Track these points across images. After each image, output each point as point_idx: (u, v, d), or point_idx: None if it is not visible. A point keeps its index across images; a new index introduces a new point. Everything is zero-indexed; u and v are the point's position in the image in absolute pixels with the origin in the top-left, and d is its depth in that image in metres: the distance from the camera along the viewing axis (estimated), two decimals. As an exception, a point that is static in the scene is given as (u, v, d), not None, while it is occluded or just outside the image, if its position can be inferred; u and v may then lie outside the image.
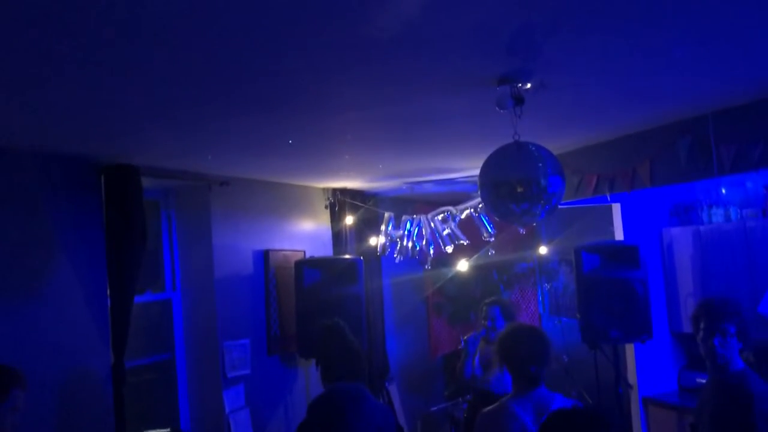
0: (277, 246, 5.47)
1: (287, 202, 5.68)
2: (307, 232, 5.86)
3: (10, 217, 3.63)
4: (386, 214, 5.73)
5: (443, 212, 5.54)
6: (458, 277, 6.51)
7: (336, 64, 2.67)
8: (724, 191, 5.51)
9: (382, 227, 5.72)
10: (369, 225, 6.07)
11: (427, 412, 6.10)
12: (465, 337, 5.33)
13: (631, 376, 5.52)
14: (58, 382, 3.75)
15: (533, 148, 3.13)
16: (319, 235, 5.97)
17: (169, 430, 4.31)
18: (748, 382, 2.93)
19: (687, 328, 5.28)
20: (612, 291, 4.61)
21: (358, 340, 4.99)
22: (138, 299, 4.25)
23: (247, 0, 2.01)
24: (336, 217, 6.01)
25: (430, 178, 5.85)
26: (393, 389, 6.46)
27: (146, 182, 4.24)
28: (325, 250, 5.93)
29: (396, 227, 5.67)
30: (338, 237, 6.01)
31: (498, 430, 2.95)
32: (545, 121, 3.88)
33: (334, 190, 6.02)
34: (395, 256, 5.70)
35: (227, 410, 4.84)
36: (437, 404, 6.29)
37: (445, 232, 5.51)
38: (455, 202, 5.58)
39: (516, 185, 3.04)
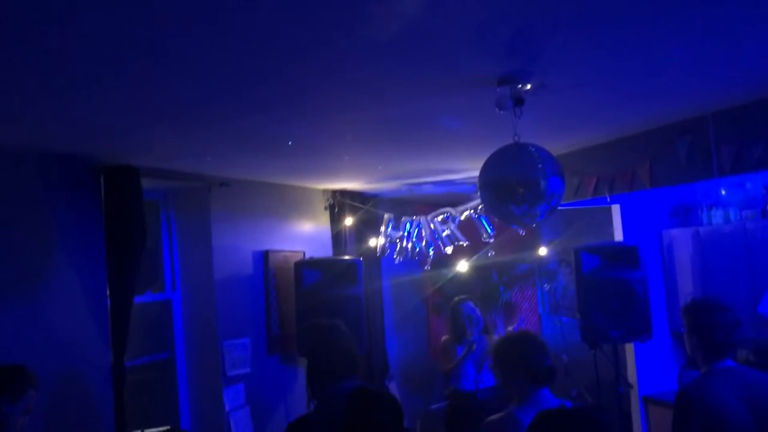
0: (276, 247, 5.48)
1: (287, 204, 5.69)
2: (306, 233, 5.87)
3: (10, 217, 3.64)
4: (386, 215, 5.74)
5: (443, 213, 5.54)
6: (458, 277, 6.52)
7: (335, 65, 2.68)
8: (723, 192, 5.51)
9: (382, 228, 5.73)
10: (368, 226, 6.07)
11: (426, 410, 6.11)
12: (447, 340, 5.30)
13: (631, 376, 5.53)
14: (58, 382, 3.76)
15: (533, 149, 3.13)
16: (319, 236, 5.98)
17: (168, 428, 4.31)
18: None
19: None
20: (612, 291, 4.61)
21: (357, 340, 5.00)
22: (138, 299, 4.26)
23: (247, 2, 2.01)
24: (335, 218, 6.01)
25: (429, 180, 5.86)
26: (393, 388, 6.46)
27: (146, 183, 4.24)
28: (324, 251, 5.94)
29: (395, 228, 5.67)
30: (338, 238, 6.01)
31: None
32: (545, 122, 3.88)
33: (334, 192, 6.02)
34: (395, 257, 5.70)
35: (227, 408, 4.85)
36: (437, 403, 6.29)
37: (444, 233, 5.51)
38: (455, 203, 5.58)
39: (516, 186, 3.04)
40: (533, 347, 2.99)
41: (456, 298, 5.52)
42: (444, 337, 5.38)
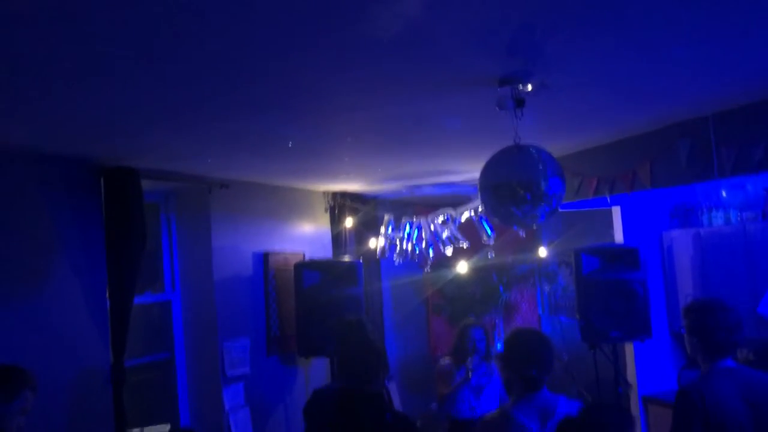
0: (276, 248, 5.48)
1: (287, 205, 5.68)
2: (306, 235, 5.87)
3: (10, 218, 3.63)
4: (386, 217, 5.73)
5: (443, 215, 5.54)
6: (458, 278, 6.51)
7: (336, 66, 2.67)
8: (724, 194, 5.51)
9: (382, 229, 5.72)
10: (368, 227, 6.07)
11: (426, 411, 6.09)
12: (446, 363, 5.22)
13: (631, 376, 5.53)
14: (58, 382, 3.75)
15: (533, 151, 3.12)
16: (319, 238, 5.97)
17: (169, 426, 4.32)
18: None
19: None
20: (611, 292, 4.61)
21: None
22: (138, 300, 4.26)
23: (247, 2, 2.01)
24: (336, 219, 6.01)
25: (429, 181, 5.85)
26: (393, 388, 6.46)
27: (146, 185, 4.25)
28: (324, 252, 5.94)
29: (396, 229, 5.67)
30: (338, 239, 6.01)
31: None
32: (546, 123, 3.88)
33: (334, 193, 6.02)
34: (395, 258, 5.70)
35: (227, 409, 4.84)
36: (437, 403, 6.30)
37: (444, 235, 5.51)
38: (455, 205, 5.58)
39: (516, 187, 3.03)
40: (527, 353, 2.97)
41: (466, 321, 5.30)
42: (443, 359, 5.28)
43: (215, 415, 4.86)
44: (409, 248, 5.58)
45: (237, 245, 5.13)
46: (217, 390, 4.87)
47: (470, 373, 4.85)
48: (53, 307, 3.79)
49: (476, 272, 6.43)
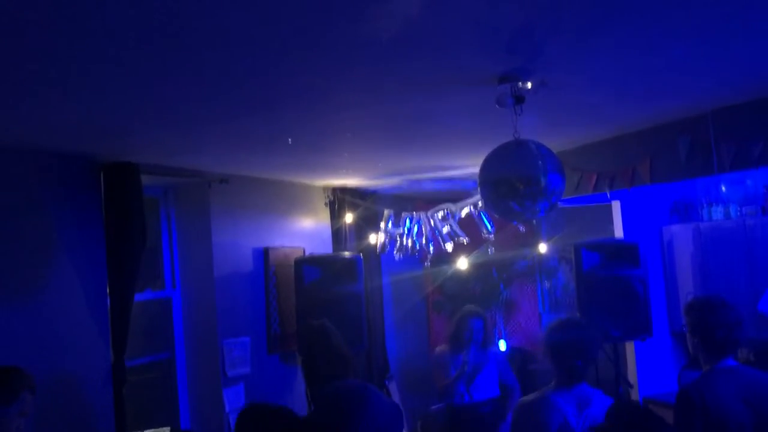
0: (277, 243, 5.47)
1: (287, 200, 5.68)
2: (306, 230, 5.86)
3: (9, 215, 3.63)
4: (386, 212, 5.73)
5: (443, 210, 5.53)
6: (458, 274, 6.50)
7: (335, 63, 2.67)
8: (724, 189, 5.51)
9: (382, 225, 5.72)
10: (368, 222, 6.07)
11: (426, 410, 6.10)
12: (442, 352, 5.21)
13: (632, 376, 5.52)
14: (58, 382, 3.75)
15: (533, 146, 3.12)
16: (319, 233, 5.97)
17: (168, 429, 4.31)
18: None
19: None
20: (612, 289, 4.61)
21: (357, 339, 4.99)
22: (138, 297, 4.24)
23: (247, 0, 2.01)
24: (335, 214, 6.01)
25: (429, 176, 5.85)
26: (393, 387, 6.45)
27: (146, 180, 4.23)
28: (324, 247, 5.93)
29: (395, 225, 5.66)
30: (338, 234, 6.01)
31: (538, 420, 2.96)
32: (545, 119, 3.87)
33: (334, 188, 6.02)
34: (395, 253, 5.69)
35: (227, 409, 4.83)
36: (437, 402, 6.30)
37: (444, 230, 5.50)
38: (455, 200, 5.57)
39: (516, 183, 3.04)
40: (572, 344, 3.03)
41: (466, 309, 5.30)
42: (439, 347, 5.25)
43: (216, 415, 4.85)
44: (409, 243, 5.58)
45: (237, 240, 5.12)
46: (217, 390, 4.86)
47: (466, 365, 4.85)
48: (52, 306, 3.78)
49: (476, 268, 6.42)
